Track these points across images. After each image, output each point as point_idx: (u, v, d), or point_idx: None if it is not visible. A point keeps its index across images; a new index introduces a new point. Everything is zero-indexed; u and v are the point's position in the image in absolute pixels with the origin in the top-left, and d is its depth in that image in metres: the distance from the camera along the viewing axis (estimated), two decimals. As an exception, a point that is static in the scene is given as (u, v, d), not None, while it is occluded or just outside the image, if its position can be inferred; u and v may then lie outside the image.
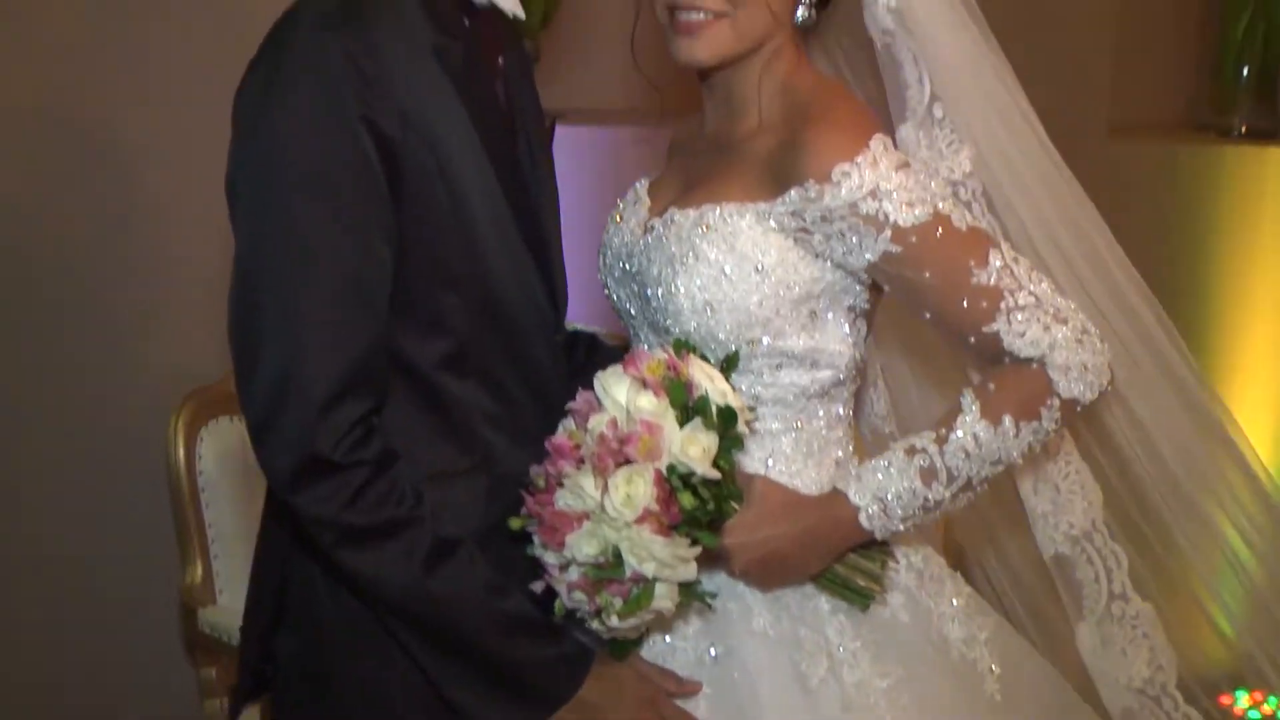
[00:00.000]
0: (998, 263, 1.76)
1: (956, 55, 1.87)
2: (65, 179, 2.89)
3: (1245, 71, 3.83)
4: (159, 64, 2.91)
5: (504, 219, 1.83)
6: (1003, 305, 1.76)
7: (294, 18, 1.78)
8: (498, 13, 1.91)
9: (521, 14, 1.93)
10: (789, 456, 1.88)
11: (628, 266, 1.94)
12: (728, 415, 1.72)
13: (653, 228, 1.89)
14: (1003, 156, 1.88)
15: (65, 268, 2.92)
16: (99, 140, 2.90)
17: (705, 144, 1.96)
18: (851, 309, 1.86)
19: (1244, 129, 3.84)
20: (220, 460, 2.79)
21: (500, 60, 1.94)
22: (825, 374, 1.86)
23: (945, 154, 1.85)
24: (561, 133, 3.08)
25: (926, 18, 1.85)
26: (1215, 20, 3.92)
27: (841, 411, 1.91)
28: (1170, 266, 3.66)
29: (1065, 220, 1.92)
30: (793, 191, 1.77)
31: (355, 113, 1.70)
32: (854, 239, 1.76)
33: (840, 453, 1.91)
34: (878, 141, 1.76)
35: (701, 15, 1.83)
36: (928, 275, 1.77)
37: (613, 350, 2.11)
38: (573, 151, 3.12)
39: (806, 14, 1.85)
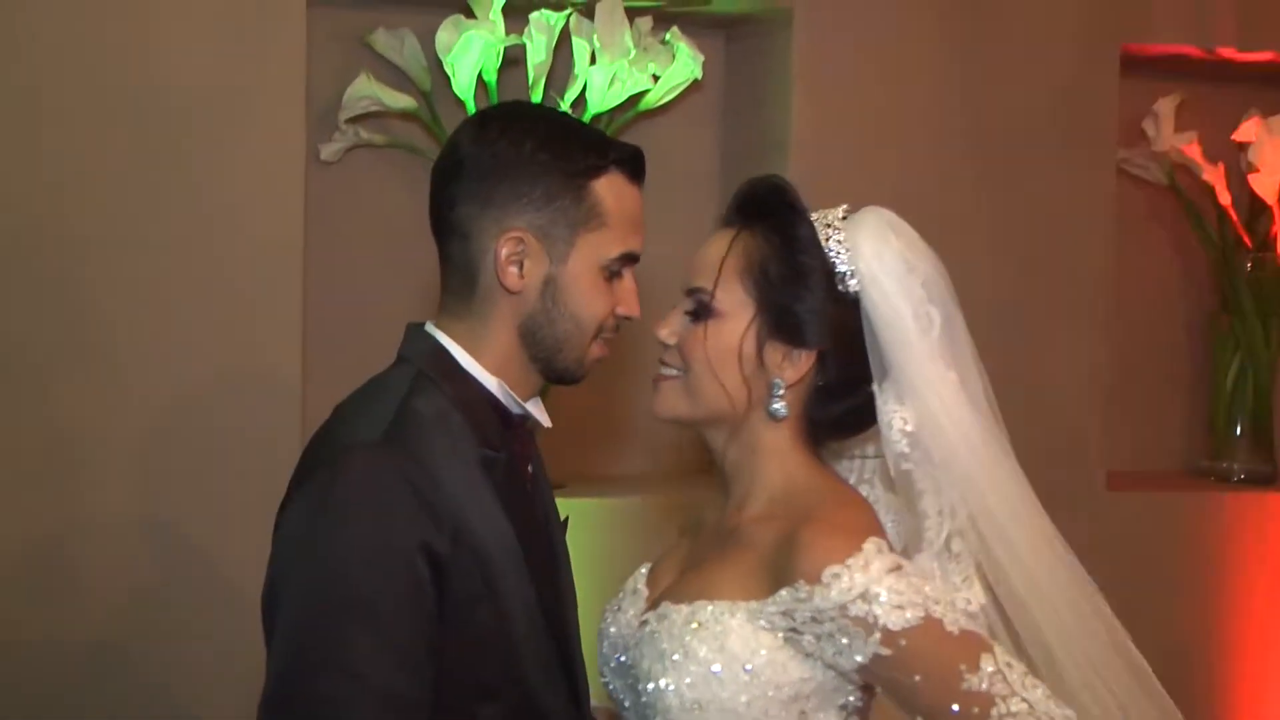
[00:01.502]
0: (990, 668, 1.74)
1: (990, 484, 1.89)
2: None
3: (1239, 419, 3.86)
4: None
5: (539, 629, 1.85)
6: (994, 712, 1.72)
7: (343, 436, 1.82)
8: (526, 420, 1.95)
9: (549, 423, 1.99)
10: None
11: (624, 659, 1.92)
12: None
13: (647, 621, 1.89)
14: (1033, 587, 1.88)
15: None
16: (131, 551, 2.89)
17: (711, 526, 1.99)
18: (844, 707, 1.84)
19: (1242, 475, 3.85)
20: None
21: (529, 468, 1.98)
22: (815, 772, 1.83)
23: (959, 586, 1.85)
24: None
25: (959, 443, 1.88)
26: (1206, 370, 3.97)
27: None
28: (1171, 614, 3.61)
29: (1096, 652, 1.90)
30: (784, 591, 1.77)
31: (416, 542, 1.72)
32: (844, 641, 1.75)
33: None
34: (872, 544, 1.76)
35: (663, 370, 1.93)
36: (918, 679, 1.74)
37: None
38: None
39: (779, 407, 1.88)
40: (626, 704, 1.93)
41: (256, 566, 1.85)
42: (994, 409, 1.94)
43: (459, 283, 1.90)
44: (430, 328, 1.92)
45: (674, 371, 1.92)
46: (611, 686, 1.97)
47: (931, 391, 1.87)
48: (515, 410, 1.92)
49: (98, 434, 2.85)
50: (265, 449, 2.83)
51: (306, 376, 2.97)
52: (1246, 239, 3.81)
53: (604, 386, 3.36)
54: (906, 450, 1.87)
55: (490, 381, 1.89)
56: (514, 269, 1.85)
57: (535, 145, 1.86)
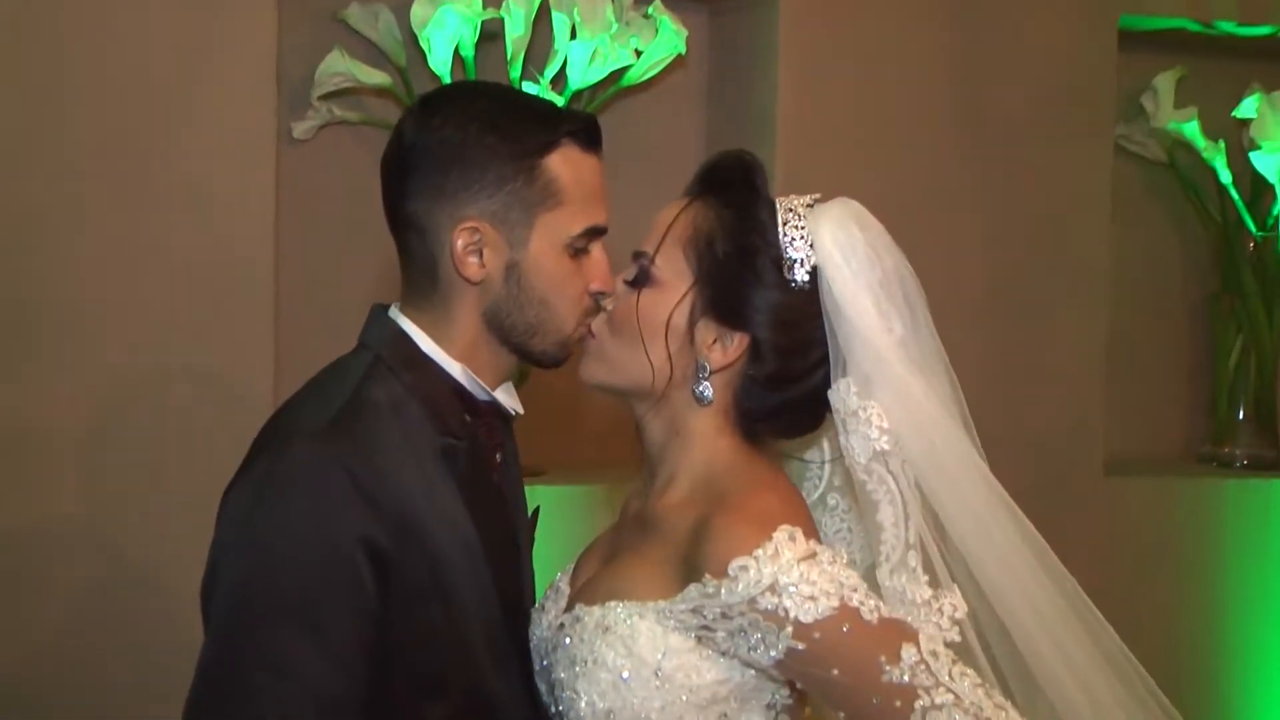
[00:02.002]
0: (912, 658, 1.66)
1: (970, 483, 1.82)
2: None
3: (1242, 403, 3.78)
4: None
5: (495, 624, 1.80)
6: (918, 705, 1.65)
7: (290, 422, 1.77)
8: (496, 408, 1.89)
9: (521, 410, 1.93)
10: None
11: (545, 664, 1.85)
12: None
13: (563, 625, 1.81)
14: (1028, 607, 1.80)
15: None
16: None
17: (634, 513, 1.92)
18: (770, 706, 1.76)
19: (1245, 461, 3.77)
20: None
21: (498, 456, 1.91)
22: (745, 777, 1.76)
23: (918, 603, 1.75)
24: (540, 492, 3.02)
25: (952, 463, 1.80)
26: (1207, 353, 3.90)
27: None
28: (1172, 605, 3.56)
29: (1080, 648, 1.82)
30: (692, 588, 1.70)
31: (354, 535, 1.67)
32: (757, 636, 1.67)
33: None
34: (783, 532, 1.68)
35: (592, 335, 1.86)
36: (836, 673, 1.66)
37: None
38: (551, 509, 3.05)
39: (703, 391, 1.81)
40: (553, 711, 1.86)
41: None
42: (964, 411, 1.86)
43: (419, 274, 1.85)
44: (394, 312, 1.87)
45: (595, 335, 1.87)
46: (541, 690, 1.89)
47: (897, 386, 1.79)
48: (481, 397, 1.86)
49: (54, 424, 2.78)
50: (235, 436, 2.72)
51: (279, 362, 2.90)
52: (1248, 217, 3.73)
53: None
54: (886, 447, 1.78)
55: (454, 367, 1.83)
56: (473, 259, 1.80)
57: (481, 128, 1.79)
